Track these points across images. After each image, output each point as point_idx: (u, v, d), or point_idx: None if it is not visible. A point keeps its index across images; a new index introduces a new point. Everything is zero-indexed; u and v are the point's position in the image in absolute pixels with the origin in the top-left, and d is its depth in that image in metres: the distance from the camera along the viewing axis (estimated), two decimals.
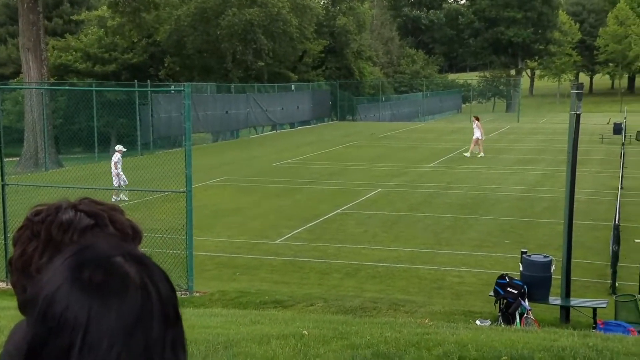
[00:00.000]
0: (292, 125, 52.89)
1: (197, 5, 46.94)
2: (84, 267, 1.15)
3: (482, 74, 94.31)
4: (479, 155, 32.65)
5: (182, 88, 13.83)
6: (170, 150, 30.21)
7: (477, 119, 34.42)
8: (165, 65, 48.57)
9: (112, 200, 21.39)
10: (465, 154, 33.04)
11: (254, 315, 9.30)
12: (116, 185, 21.90)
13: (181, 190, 13.27)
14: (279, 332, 7.18)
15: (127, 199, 21.56)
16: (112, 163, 22.33)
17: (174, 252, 13.16)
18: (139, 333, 1.12)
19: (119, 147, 22.83)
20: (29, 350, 1.13)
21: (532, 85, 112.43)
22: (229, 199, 22.45)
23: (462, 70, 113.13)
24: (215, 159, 32.62)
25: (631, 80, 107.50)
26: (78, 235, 1.48)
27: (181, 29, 46.91)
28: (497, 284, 10.95)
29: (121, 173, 22.08)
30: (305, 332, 7.15)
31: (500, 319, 10.62)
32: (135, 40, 47.45)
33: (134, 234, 1.54)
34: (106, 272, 1.14)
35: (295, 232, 17.68)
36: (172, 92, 36.82)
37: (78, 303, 1.11)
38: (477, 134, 33.07)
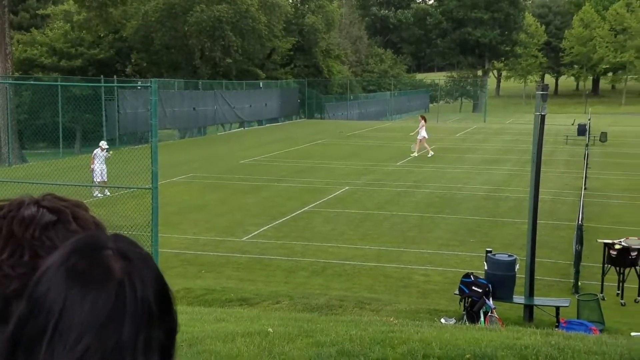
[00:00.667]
0: (260, 123, 52.75)
1: (164, 1, 46.56)
2: (74, 253, 1.16)
3: (449, 74, 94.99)
4: (413, 155, 32.98)
5: (149, 84, 13.71)
6: (136, 147, 29.91)
7: (424, 118, 34.67)
8: (133, 61, 48.11)
9: (94, 195, 21.23)
10: (413, 154, 33.17)
11: (219, 312, 9.25)
12: (98, 181, 21.72)
13: (147, 186, 13.14)
14: (244, 329, 7.15)
15: (100, 195, 21.35)
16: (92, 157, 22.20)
17: None
18: (109, 331, 1.10)
19: (101, 143, 22.74)
20: (14, 328, 1.15)
21: (498, 85, 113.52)
22: (195, 196, 22.31)
23: (430, 70, 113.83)
24: (182, 156, 32.40)
25: (595, 82, 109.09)
26: (40, 231, 1.45)
27: (148, 25, 46.50)
28: (462, 282, 11.03)
29: (95, 168, 21.87)
30: (270, 329, 7.13)
31: (465, 317, 10.70)
32: (101, 35, 46.93)
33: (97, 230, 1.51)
34: (91, 262, 1.15)
35: (262, 229, 17.63)
36: (139, 88, 36.49)
37: (58, 288, 1.12)
38: (422, 133, 33.37)
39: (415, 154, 33.04)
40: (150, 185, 12.78)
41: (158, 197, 12.77)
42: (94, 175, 21.88)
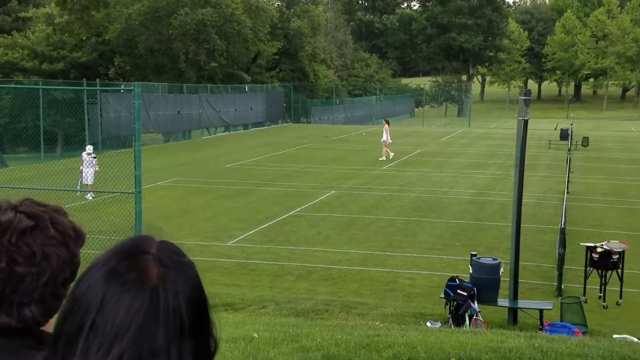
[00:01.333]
0: (245, 127, 52.69)
1: (148, 4, 46.39)
2: (116, 255, 1.20)
3: (434, 79, 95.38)
4: (381, 159, 33.17)
5: (132, 88, 13.65)
6: (119, 151, 29.78)
7: (387, 122, 34.91)
8: (116, 64, 47.89)
9: (79, 195, 21.13)
10: (383, 158, 33.28)
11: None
12: (84, 183, 21.62)
13: (130, 191, 13.09)
14: (229, 335, 7.13)
15: (90, 197, 21.25)
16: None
17: None
18: (143, 336, 1.13)
19: (87, 147, 22.69)
20: (58, 321, 1.20)
21: (482, 90, 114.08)
22: (179, 201, 22.25)
23: (415, 74, 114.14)
24: (167, 160, 32.30)
25: (577, 87, 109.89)
26: (17, 236, 1.46)
27: (132, 28, 46.30)
28: (447, 286, 11.07)
29: (83, 169, 21.77)
30: (255, 335, 7.12)
31: (450, 320, 10.74)
32: (84, 38, 46.67)
33: (76, 236, 1.52)
34: (130, 265, 1.18)
35: (247, 234, 17.61)
36: (122, 91, 36.34)
37: (96, 287, 1.16)
38: (386, 137, 33.60)
39: (383, 158, 33.27)
40: (134, 190, 12.72)
41: (141, 201, 12.71)
42: (81, 177, 21.78)
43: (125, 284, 1.16)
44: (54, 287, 1.47)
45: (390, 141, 33.87)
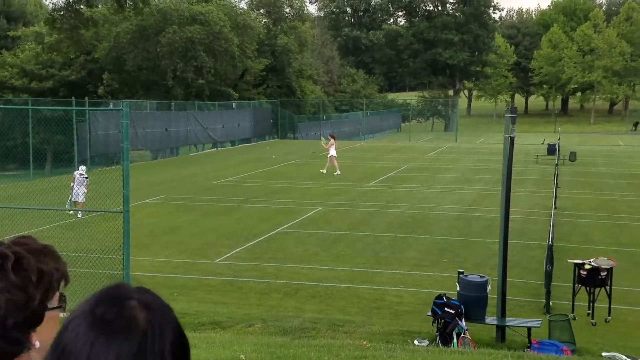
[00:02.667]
0: (232, 143, 52.67)
1: (137, 22, 46.44)
2: (101, 303, 1.21)
3: (421, 94, 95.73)
4: (322, 171, 33.71)
5: (120, 107, 13.64)
6: (108, 168, 29.71)
7: (333, 137, 35.40)
8: (104, 81, 47.85)
9: (71, 213, 21.04)
10: (336, 173, 33.53)
11: (190, 338, 9.10)
12: (74, 200, 21.54)
13: (118, 210, 13.05)
14: (216, 356, 7.10)
15: (79, 215, 21.15)
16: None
17: (111, 272, 12.92)
18: None
19: (80, 168, 22.67)
20: None
21: (469, 105, 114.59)
22: (167, 218, 22.18)
23: (402, 90, 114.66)
24: (155, 177, 32.23)
25: (564, 102, 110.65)
26: None
27: (121, 46, 46.33)
28: (434, 303, 11.06)
29: (74, 187, 21.68)
30: (242, 356, 7.08)
31: (438, 338, 10.72)
32: (72, 57, 46.65)
33: (39, 280, 1.51)
34: (117, 312, 1.19)
35: (234, 251, 17.56)
36: (111, 110, 36.25)
37: (85, 336, 1.17)
38: (332, 152, 34.07)
39: (324, 171, 33.74)
40: (122, 209, 12.69)
41: (129, 220, 12.67)
42: (72, 193, 21.69)
43: (114, 331, 1.17)
44: (3, 330, 1.46)
45: (336, 156, 34.39)
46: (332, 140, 34.88)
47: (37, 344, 1.52)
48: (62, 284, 1.59)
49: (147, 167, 37.09)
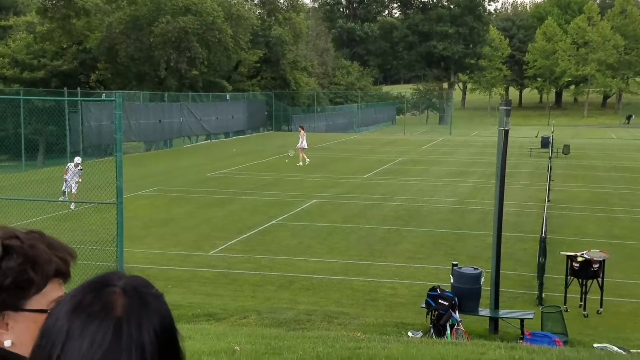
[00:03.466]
0: (226, 135, 52.60)
1: (129, 12, 46.25)
2: (84, 289, 1.21)
3: (415, 87, 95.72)
4: (299, 164, 33.83)
5: (113, 98, 13.60)
6: (100, 159, 29.64)
7: (302, 128, 35.87)
8: (97, 72, 47.67)
9: (71, 207, 20.96)
10: (298, 164, 34.02)
11: (185, 330, 9.19)
12: (67, 191, 21.45)
13: (111, 201, 13.02)
14: (210, 348, 7.11)
15: (72, 207, 21.08)
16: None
17: (104, 264, 12.89)
18: None
19: (76, 158, 22.53)
20: (29, 356, 1.22)
21: (464, 98, 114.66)
22: (161, 210, 22.15)
23: (396, 82, 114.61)
24: (148, 169, 32.17)
25: (558, 94, 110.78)
26: None
27: (113, 36, 46.12)
28: (428, 295, 11.09)
29: (67, 179, 21.57)
30: (237, 347, 7.09)
31: (432, 330, 10.75)
32: (64, 47, 46.45)
33: (10, 283, 1.52)
34: (95, 297, 1.19)
35: (229, 243, 17.56)
36: (104, 101, 36.15)
37: (63, 320, 1.17)
38: (302, 143, 34.42)
39: (300, 164, 33.93)
40: (115, 200, 12.66)
41: (123, 212, 12.65)
42: (65, 185, 21.61)
43: (90, 316, 1.16)
44: None
45: (306, 147, 34.65)
46: (302, 131, 35.23)
47: (8, 342, 1.52)
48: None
49: (140, 159, 37.02)
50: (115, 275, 1.25)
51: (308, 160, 34.30)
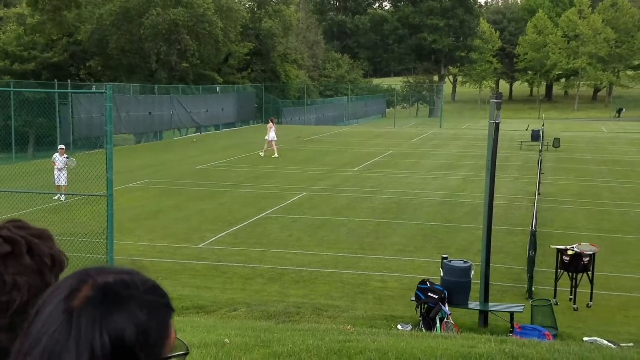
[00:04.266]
0: (216, 128, 52.49)
1: (120, 4, 46.02)
2: (72, 274, 1.21)
3: (405, 80, 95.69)
4: (274, 156, 34.02)
5: (103, 90, 13.54)
6: (91, 152, 29.51)
7: (272, 121, 36.08)
8: (87, 64, 47.45)
9: (56, 199, 20.84)
10: (260, 154, 34.58)
11: (175, 322, 9.16)
12: (62, 184, 21.29)
13: (102, 193, 12.98)
14: (200, 340, 7.10)
15: (61, 198, 20.95)
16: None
17: (94, 256, 12.87)
18: (49, 355, 1.10)
19: (59, 146, 22.38)
20: None
21: (454, 91, 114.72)
22: (151, 202, 22.10)
23: (387, 75, 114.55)
24: (138, 161, 32.09)
25: (549, 88, 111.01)
26: None
27: (103, 28, 45.91)
28: (418, 288, 11.10)
29: (55, 172, 21.41)
30: (227, 340, 7.08)
31: (421, 323, 10.77)
32: (55, 38, 46.21)
33: (53, 264, 1.49)
34: (69, 283, 1.18)
35: (218, 236, 17.54)
36: (94, 93, 36.00)
37: (42, 297, 1.19)
38: (271, 135, 34.62)
39: (276, 155, 34.18)
40: (105, 192, 12.62)
41: (113, 204, 12.62)
42: (55, 178, 21.49)
43: (54, 298, 1.15)
44: (25, 315, 1.45)
45: (275, 139, 34.82)
46: (271, 123, 35.48)
47: None
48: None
49: (131, 151, 36.91)
50: (106, 269, 1.21)
51: (276, 154, 34.40)
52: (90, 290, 1.15)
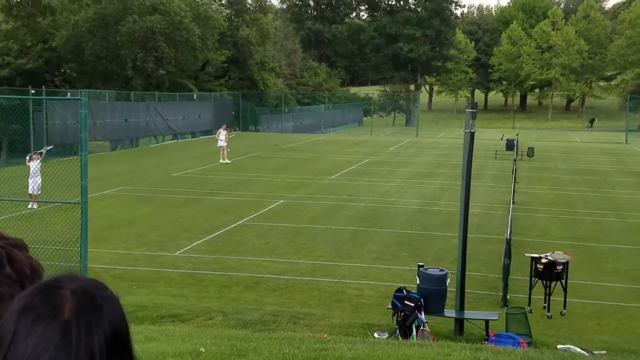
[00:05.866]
0: (193, 135, 52.29)
1: (96, 10, 45.77)
2: (34, 290, 1.20)
3: (382, 88, 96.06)
4: (222, 162, 34.64)
5: (78, 97, 13.45)
6: (65, 159, 29.24)
7: (224, 127, 36.81)
8: (62, 70, 47.07)
9: (30, 207, 20.60)
10: (222, 161, 34.89)
11: (149, 331, 9.10)
12: (35, 193, 21.04)
13: (76, 201, 12.88)
14: (175, 349, 7.05)
15: (35, 206, 20.71)
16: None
17: (68, 264, 12.74)
18: None
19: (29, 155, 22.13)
20: None
21: (430, 100, 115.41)
22: (126, 210, 21.94)
23: (364, 84, 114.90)
24: (113, 168, 31.86)
25: (523, 98, 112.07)
26: None
27: (79, 35, 45.61)
28: (395, 296, 11.13)
29: (30, 180, 21.16)
30: (202, 349, 7.05)
31: (398, 331, 10.79)
32: (29, 45, 45.81)
33: (32, 274, 1.48)
34: (44, 299, 1.17)
35: (195, 244, 17.45)
36: (69, 100, 35.71)
37: (10, 321, 1.16)
38: (221, 142, 35.39)
39: (227, 161, 34.74)
40: (80, 200, 12.52)
41: (88, 211, 12.52)
42: (29, 187, 21.25)
43: (37, 318, 1.15)
44: None
45: (225, 145, 35.50)
46: (221, 130, 36.17)
47: None
48: None
49: (106, 158, 36.65)
50: (67, 278, 1.23)
51: (226, 161, 34.85)
52: (73, 300, 1.16)
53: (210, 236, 18.31)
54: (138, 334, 8.85)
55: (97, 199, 22.07)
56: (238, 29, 59.57)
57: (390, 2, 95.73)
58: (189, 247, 17.14)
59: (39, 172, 21.26)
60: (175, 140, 49.05)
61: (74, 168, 13.72)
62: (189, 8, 48.54)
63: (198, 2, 52.87)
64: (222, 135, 35.74)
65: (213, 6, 56.70)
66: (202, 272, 14.98)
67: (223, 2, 63.87)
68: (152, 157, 37.86)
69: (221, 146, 35.46)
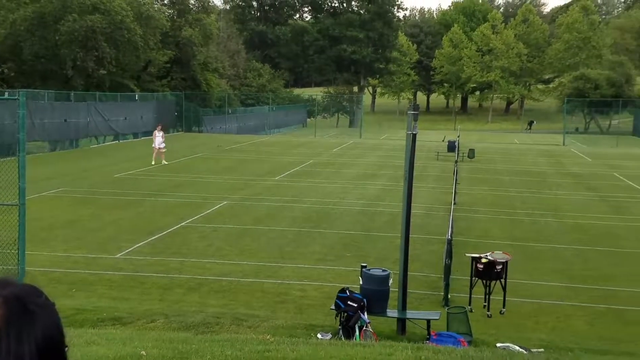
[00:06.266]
0: (135, 136, 51.57)
1: (34, 9, 44.79)
2: None
3: (326, 90, 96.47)
4: (153, 163, 34.45)
5: (16, 96, 13.16)
6: (2, 160, 28.53)
7: (159, 128, 36.50)
8: (0, 70, 45.93)
9: None
10: (154, 163, 34.58)
11: (89, 335, 8.95)
12: None
13: (13, 203, 12.60)
14: (116, 353, 6.96)
15: None
16: None
17: (4, 267, 12.48)
18: None
19: None
20: None
21: (373, 102, 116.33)
22: (66, 211, 21.53)
23: (308, 85, 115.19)
24: (52, 169, 31.22)
25: (464, 100, 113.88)
26: None
27: (17, 33, 44.59)
28: (338, 297, 11.18)
29: None
30: (143, 352, 6.97)
31: (341, 332, 10.84)
32: None
33: None
34: None
35: (136, 246, 17.23)
36: (6, 99, 34.80)
37: None
38: (156, 142, 35.16)
39: (165, 162, 34.54)
40: (17, 202, 12.26)
41: (25, 213, 12.27)
42: None
43: None
44: None
45: (162, 146, 35.14)
46: (156, 131, 35.66)
47: None
48: None
49: (45, 159, 35.88)
50: (0, 284, 1.21)
51: (163, 162, 34.47)
52: (4, 308, 1.14)
53: (153, 238, 18.10)
54: (78, 337, 8.69)
55: (36, 201, 21.61)
56: (181, 29, 59.05)
57: (333, 4, 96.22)
58: (130, 249, 16.91)
59: None
60: (117, 141, 48.32)
61: (12, 169, 13.43)
62: (130, 7, 47.89)
63: (140, 1, 52.22)
64: (157, 136, 35.16)
65: (155, 6, 56.05)
66: (144, 274, 14.79)
67: (165, 2, 63.22)
68: (92, 158, 37.23)
69: (157, 147, 34.87)
